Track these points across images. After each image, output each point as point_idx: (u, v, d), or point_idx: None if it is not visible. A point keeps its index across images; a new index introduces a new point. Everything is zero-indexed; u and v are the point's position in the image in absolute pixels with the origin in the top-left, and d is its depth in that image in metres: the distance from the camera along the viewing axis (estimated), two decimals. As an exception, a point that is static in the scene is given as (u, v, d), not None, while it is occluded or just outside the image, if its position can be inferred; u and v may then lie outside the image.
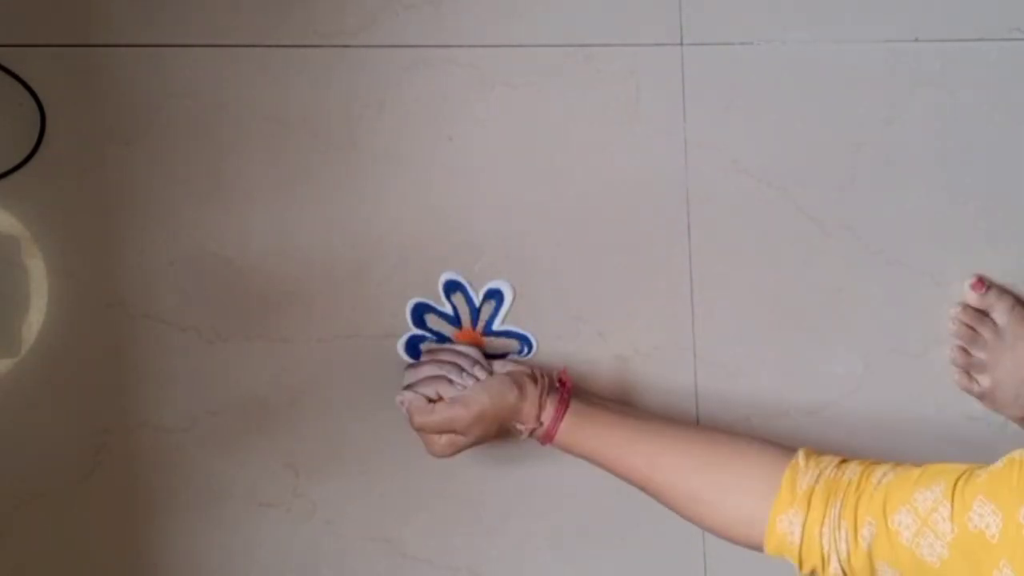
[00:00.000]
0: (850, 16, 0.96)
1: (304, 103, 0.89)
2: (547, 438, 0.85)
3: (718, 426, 0.92)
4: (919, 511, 0.71)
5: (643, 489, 0.84)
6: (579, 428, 0.85)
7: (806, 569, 0.76)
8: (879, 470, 0.76)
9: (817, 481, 0.77)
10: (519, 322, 0.92)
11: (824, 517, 0.75)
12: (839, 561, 0.75)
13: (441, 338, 0.91)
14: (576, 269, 0.93)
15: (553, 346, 0.92)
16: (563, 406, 0.85)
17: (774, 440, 0.83)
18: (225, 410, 0.88)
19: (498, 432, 0.86)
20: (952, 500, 0.70)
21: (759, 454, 0.81)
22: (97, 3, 0.85)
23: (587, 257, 0.93)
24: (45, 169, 0.85)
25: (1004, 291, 0.97)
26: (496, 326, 0.92)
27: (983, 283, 0.97)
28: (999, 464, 0.71)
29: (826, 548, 0.75)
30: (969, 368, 0.97)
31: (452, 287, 0.91)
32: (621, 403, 0.92)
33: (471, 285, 0.92)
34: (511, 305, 0.92)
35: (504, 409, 0.84)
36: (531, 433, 0.85)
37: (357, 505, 0.91)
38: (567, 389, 0.86)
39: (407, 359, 0.90)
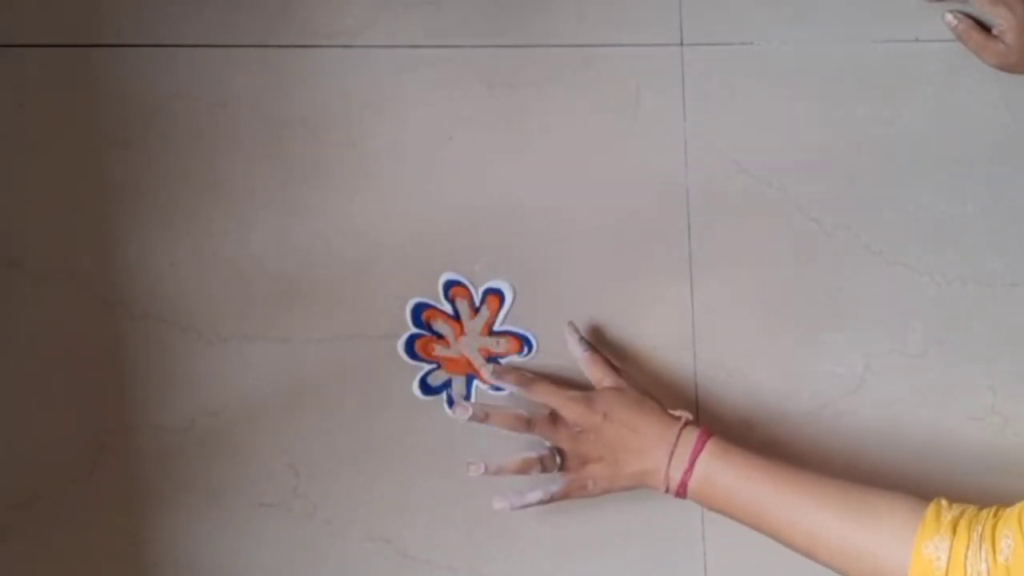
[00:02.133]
0: (850, 16, 0.96)
1: (304, 103, 0.89)
2: (690, 468, 0.84)
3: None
4: None
5: (766, 531, 0.84)
6: (722, 459, 0.84)
7: None
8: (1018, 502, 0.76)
9: (962, 515, 0.77)
10: (519, 322, 0.92)
11: (969, 542, 0.75)
12: None
13: (441, 338, 0.91)
14: (576, 269, 0.93)
15: (553, 346, 0.92)
16: (704, 436, 0.85)
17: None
18: (225, 410, 0.88)
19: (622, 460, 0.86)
20: None
21: (900, 497, 0.81)
22: (96, 3, 0.85)
23: (587, 257, 0.93)
24: (45, 169, 0.85)
25: None
26: (496, 326, 0.92)
27: None
28: None
29: (969, 572, 0.75)
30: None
31: (452, 287, 0.91)
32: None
33: (471, 285, 0.92)
34: (511, 305, 0.92)
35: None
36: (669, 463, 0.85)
37: (357, 505, 0.91)
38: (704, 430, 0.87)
39: (407, 359, 0.90)
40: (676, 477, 0.85)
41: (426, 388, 0.91)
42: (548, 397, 0.88)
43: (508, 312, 0.92)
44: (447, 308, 0.91)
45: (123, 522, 0.87)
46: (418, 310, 0.91)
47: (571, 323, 0.91)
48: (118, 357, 0.86)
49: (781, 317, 0.96)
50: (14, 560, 0.85)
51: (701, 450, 0.85)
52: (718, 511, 0.86)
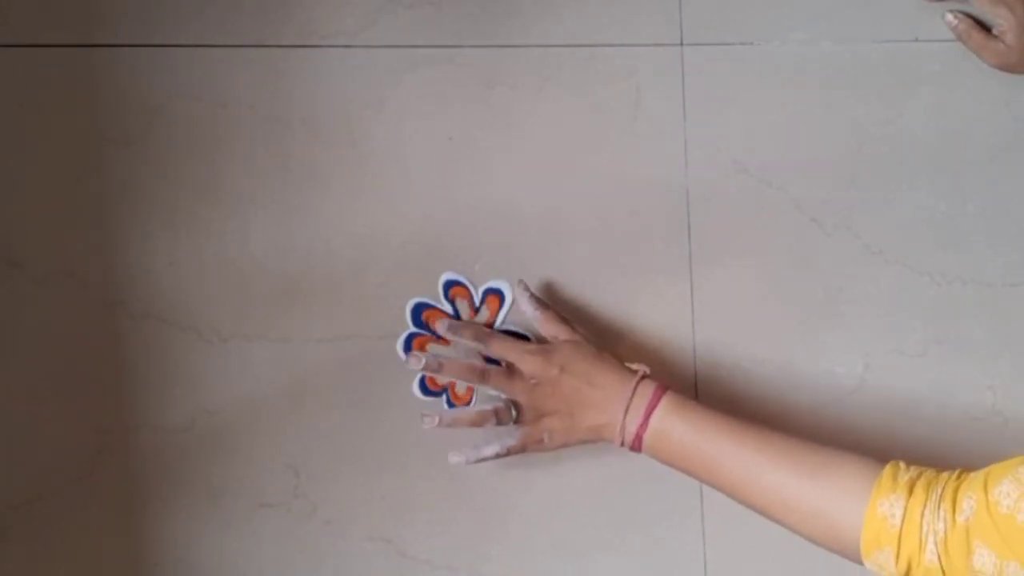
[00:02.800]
0: (850, 16, 0.96)
1: (304, 103, 0.89)
2: (645, 422, 0.83)
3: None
4: (1022, 480, 0.71)
5: (720, 487, 0.83)
6: (678, 413, 0.83)
7: (902, 559, 0.74)
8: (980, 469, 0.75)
9: (919, 476, 0.76)
10: (519, 322, 0.92)
11: (926, 501, 0.74)
12: (935, 543, 0.73)
13: (441, 338, 0.91)
14: (576, 269, 0.93)
15: (553, 346, 0.92)
16: (660, 390, 0.84)
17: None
18: (225, 410, 0.88)
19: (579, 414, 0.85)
20: None
21: (857, 457, 0.80)
22: (97, 3, 0.85)
23: (587, 257, 0.93)
24: (45, 169, 0.85)
25: None
26: (496, 326, 0.92)
27: None
28: None
29: (924, 530, 0.73)
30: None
31: (452, 287, 0.91)
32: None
33: (471, 285, 0.92)
34: (511, 305, 0.92)
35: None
36: (626, 413, 0.84)
37: (357, 505, 0.91)
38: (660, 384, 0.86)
39: (406, 359, 0.90)
40: (631, 431, 0.84)
41: (426, 388, 0.91)
42: (505, 351, 0.88)
43: (508, 312, 0.92)
44: (447, 308, 0.91)
45: (123, 522, 0.87)
46: (418, 310, 0.91)
47: (522, 281, 0.90)
48: (118, 357, 0.86)
49: (781, 317, 0.96)
50: (14, 560, 0.85)
51: (656, 404, 0.84)
52: (673, 466, 0.85)
